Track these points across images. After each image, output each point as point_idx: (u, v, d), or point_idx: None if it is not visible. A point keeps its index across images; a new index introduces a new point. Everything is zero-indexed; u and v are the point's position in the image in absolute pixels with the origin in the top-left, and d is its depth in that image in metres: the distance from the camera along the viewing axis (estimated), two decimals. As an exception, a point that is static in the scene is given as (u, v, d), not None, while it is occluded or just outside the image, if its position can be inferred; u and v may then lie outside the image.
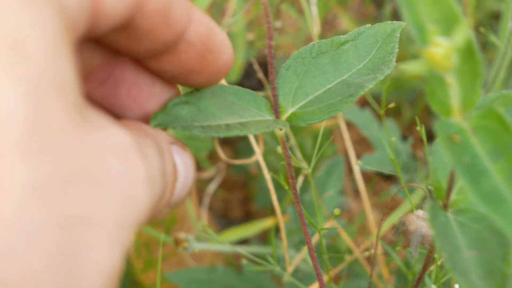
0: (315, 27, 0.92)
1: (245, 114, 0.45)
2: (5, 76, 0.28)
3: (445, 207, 0.48)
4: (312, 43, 0.48)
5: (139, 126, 0.38)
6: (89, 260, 0.30)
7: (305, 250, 0.75)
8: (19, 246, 0.27)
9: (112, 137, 0.32)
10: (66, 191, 0.29)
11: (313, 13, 0.91)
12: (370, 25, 0.49)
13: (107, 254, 0.30)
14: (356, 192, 1.15)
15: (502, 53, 0.78)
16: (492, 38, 0.83)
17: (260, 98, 0.46)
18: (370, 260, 0.97)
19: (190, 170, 0.41)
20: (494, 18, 1.17)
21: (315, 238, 0.78)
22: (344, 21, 1.24)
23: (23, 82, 0.28)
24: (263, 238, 1.09)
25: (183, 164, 0.40)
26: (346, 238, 0.79)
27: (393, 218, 0.79)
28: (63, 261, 0.29)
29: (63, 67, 0.30)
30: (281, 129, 0.46)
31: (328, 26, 1.30)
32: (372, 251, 0.68)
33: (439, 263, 0.63)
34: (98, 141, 0.31)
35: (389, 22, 0.49)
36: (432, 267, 0.64)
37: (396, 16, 1.16)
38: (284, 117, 0.46)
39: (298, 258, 0.77)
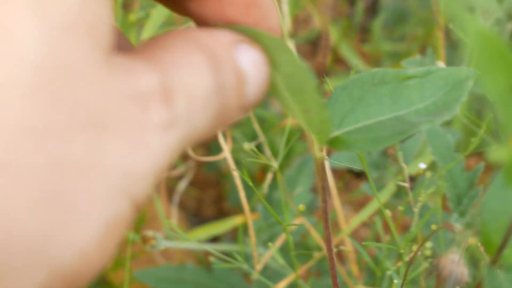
0: (287, 26, 0.91)
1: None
2: (30, 12, 0.27)
3: (494, 262, 0.47)
4: (375, 70, 0.45)
5: (190, 37, 0.35)
6: (83, 208, 0.28)
7: (273, 248, 0.75)
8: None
9: (136, 82, 0.31)
10: (66, 136, 0.28)
11: (284, 11, 0.91)
12: (442, 65, 0.45)
13: (107, 203, 0.29)
14: (329, 191, 1.15)
15: (471, 50, 0.78)
16: (461, 34, 0.83)
17: None
18: (340, 257, 0.97)
19: (262, 67, 0.38)
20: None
21: (284, 236, 0.78)
22: (317, 20, 1.23)
23: (47, 19, 0.27)
24: (235, 236, 1.09)
25: (253, 63, 0.38)
26: (315, 235, 0.79)
27: (363, 215, 0.79)
28: (48, 206, 0.27)
29: (95, 4, 0.29)
30: (321, 150, 0.44)
31: (302, 24, 1.30)
32: (342, 247, 0.68)
33: (407, 259, 0.63)
34: (119, 87, 0.30)
35: (464, 68, 0.45)
36: (400, 263, 0.64)
37: (369, 13, 1.16)
38: (319, 141, 0.44)
39: (266, 256, 0.76)
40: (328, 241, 0.47)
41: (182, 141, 0.32)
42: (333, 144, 0.43)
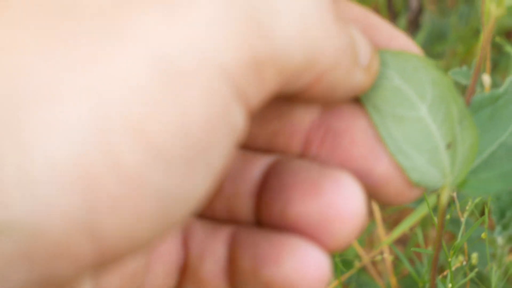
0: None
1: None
2: None
3: None
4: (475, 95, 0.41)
5: None
6: None
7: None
8: None
9: None
10: None
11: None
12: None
13: None
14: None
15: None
16: (508, 48, 0.83)
17: None
18: (376, 269, 0.97)
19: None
20: (506, 35, 1.16)
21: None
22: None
23: None
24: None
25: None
26: (355, 245, 0.78)
27: (403, 226, 0.78)
28: None
29: None
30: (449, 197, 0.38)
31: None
32: (384, 255, 0.68)
33: (453, 268, 0.62)
34: None
35: None
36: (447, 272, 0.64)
37: (411, 26, 1.16)
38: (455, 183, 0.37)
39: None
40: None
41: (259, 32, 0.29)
42: (465, 188, 0.38)
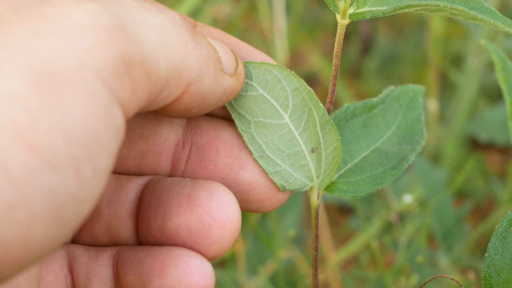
0: (284, 59, 0.92)
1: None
2: None
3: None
4: (347, 104, 0.43)
5: None
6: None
7: (261, 277, 0.75)
8: None
9: None
10: None
11: (282, 45, 0.92)
12: (393, 87, 0.44)
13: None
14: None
15: (468, 90, 0.79)
16: (457, 76, 0.84)
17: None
18: (326, 286, 0.98)
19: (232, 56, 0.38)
20: (452, 59, 1.18)
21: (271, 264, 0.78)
22: (312, 55, 1.25)
23: None
24: (219, 266, 1.09)
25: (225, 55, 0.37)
26: (302, 263, 0.79)
27: (352, 247, 0.79)
28: None
29: None
30: (318, 198, 0.41)
31: (300, 57, 1.31)
32: (328, 274, 0.69)
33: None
34: None
35: (410, 85, 0.45)
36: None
37: (363, 50, 1.17)
38: (322, 185, 0.41)
39: (256, 282, 0.76)
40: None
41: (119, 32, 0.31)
42: (333, 190, 0.41)
